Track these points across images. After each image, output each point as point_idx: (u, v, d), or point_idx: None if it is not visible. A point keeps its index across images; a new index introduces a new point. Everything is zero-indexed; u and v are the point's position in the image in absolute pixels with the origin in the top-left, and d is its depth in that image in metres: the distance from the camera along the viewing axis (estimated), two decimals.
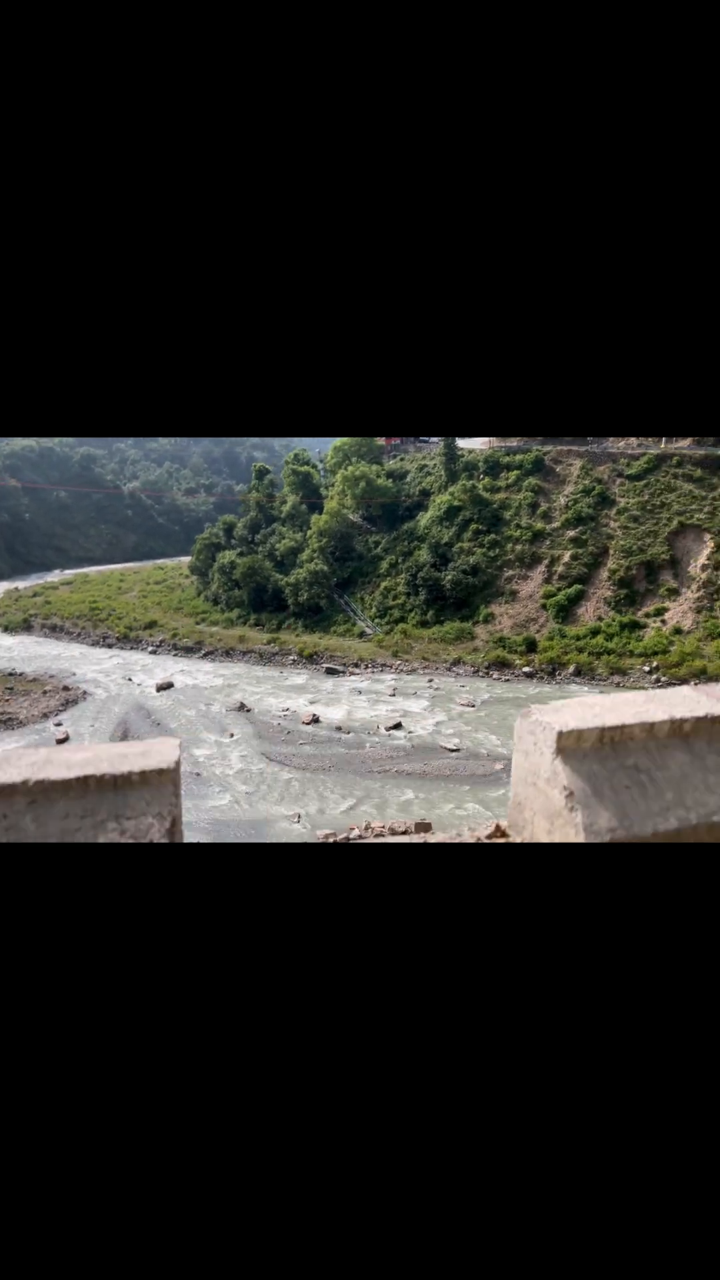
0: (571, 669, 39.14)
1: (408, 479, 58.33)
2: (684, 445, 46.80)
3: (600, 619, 42.42)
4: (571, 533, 46.49)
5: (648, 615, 41.67)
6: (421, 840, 1.51)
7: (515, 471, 51.71)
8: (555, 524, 47.61)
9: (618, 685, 37.24)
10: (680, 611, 41.02)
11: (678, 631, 40.07)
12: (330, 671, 42.16)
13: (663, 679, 36.52)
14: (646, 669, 37.50)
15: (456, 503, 51.13)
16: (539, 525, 48.07)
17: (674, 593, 42.31)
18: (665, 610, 41.56)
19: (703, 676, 35.79)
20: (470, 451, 55.43)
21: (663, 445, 47.12)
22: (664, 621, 40.86)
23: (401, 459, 62.20)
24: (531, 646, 41.52)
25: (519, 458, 52.15)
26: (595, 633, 41.22)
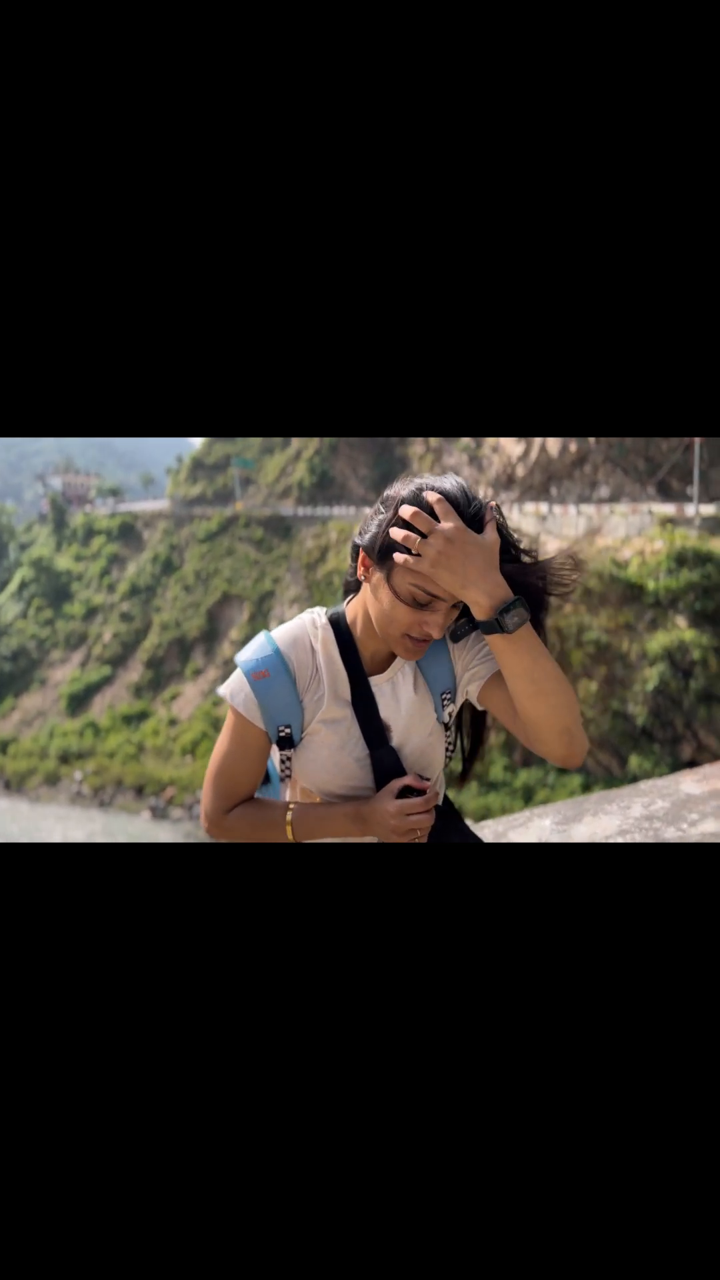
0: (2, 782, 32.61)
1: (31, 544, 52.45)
2: (256, 503, 41.73)
3: (112, 707, 36.23)
4: (125, 606, 40.69)
5: (164, 701, 35.64)
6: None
7: (101, 537, 46.12)
8: (115, 596, 41.81)
9: (32, 801, 30.71)
10: (192, 697, 35.08)
11: (173, 723, 34.01)
12: None
13: (84, 790, 30.19)
14: (79, 776, 31.13)
15: (29, 574, 45.21)
16: (98, 599, 42.22)
17: (199, 674, 36.46)
18: (179, 695, 35.60)
19: (116, 787, 29.53)
20: (87, 513, 49.87)
21: (237, 506, 41.99)
22: (171, 710, 34.84)
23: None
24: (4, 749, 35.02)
25: (108, 522, 46.64)
26: (89, 729, 34.91)
